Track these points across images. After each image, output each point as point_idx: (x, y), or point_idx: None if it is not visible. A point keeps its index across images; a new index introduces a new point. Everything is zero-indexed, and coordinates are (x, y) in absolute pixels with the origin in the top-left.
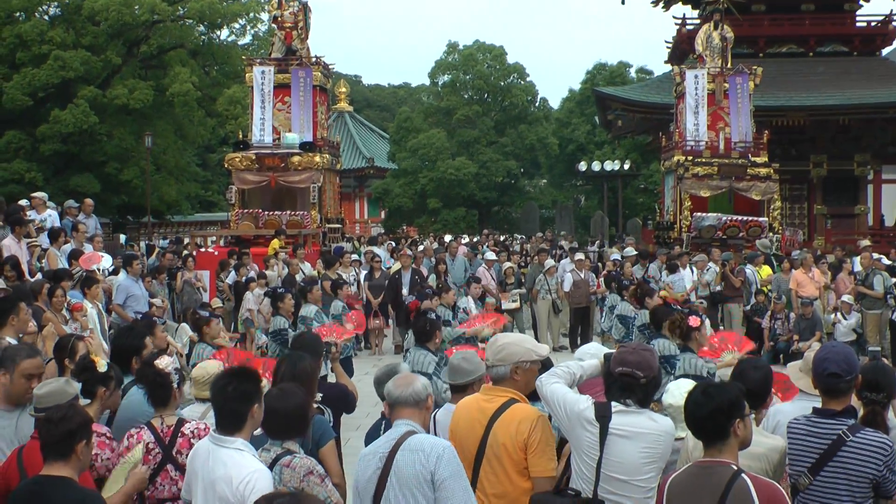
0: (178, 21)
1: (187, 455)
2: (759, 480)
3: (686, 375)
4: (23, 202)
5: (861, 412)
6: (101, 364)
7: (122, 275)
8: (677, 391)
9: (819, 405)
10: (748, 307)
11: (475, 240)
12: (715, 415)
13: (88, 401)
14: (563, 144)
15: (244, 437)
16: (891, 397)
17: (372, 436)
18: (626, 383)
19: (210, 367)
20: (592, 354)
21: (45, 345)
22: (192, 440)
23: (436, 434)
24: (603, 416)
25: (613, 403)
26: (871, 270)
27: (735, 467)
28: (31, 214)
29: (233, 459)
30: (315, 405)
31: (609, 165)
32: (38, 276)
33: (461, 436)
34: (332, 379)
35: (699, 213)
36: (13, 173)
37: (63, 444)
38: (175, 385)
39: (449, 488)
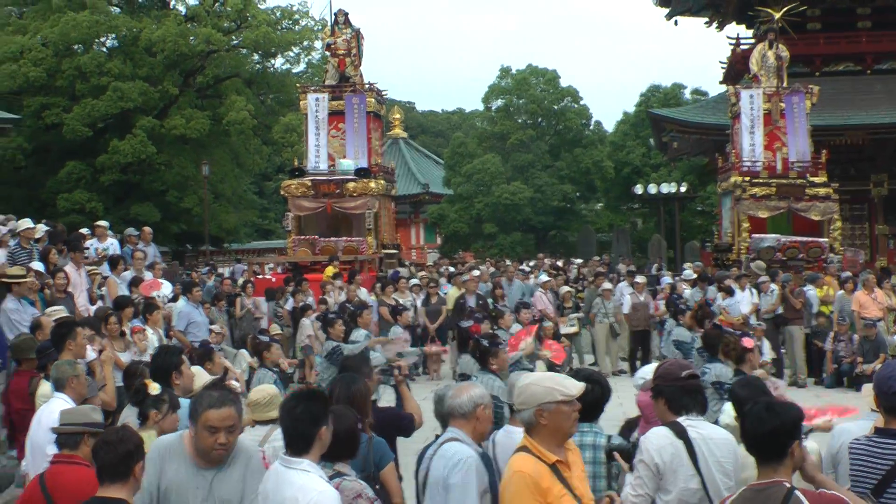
0: (234, 51)
1: None
2: (811, 494)
3: None
4: (84, 230)
5: None
6: (154, 387)
7: (181, 301)
8: (733, 411)
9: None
10: (808, 329)
11: (531, 264)
12: (777, 432)
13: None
14: (619, 167)
15: (312, 458)
16: None
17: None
18: (694, 386)
19: (267, 390)
20: (641, 375)
21: (102, 369)
22: None
23: (494, 454)
24: (679, 432)
25: (681, 419)
26: None
27: (788, 485)
28: (93, 243)
29: (300, 480)
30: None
31: (665, 188)
32: (99, 303)
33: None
34: (386, 402)
35: (758, 235)
36: (74, 203)
37: (121, 465)
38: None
39: (455, 495)
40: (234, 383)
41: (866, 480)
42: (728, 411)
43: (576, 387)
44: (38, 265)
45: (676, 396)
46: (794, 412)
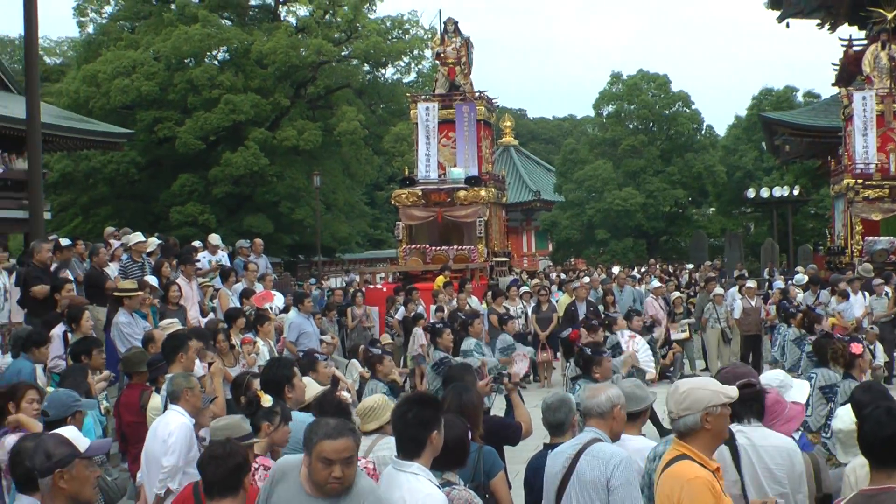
0: (344, 61)
1: None
2: None
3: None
4: (196, 244)
5: None
6: (267, 399)
7: (293, 312)
8: (847, 416)
9: None
10: None
11: (642, 270)
12: None
13: (258, 440)
14: (731, 172)
15: (423, 462)
16: None
17: (534, 466)
18: (748, 395)
19: (376, 398)
20: (781, 381)
21: (212, 382)
22: None
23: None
24: (728, 438)
25: (731, 426)
26: None
27: None
28: (204, 255)
29: (409, 483)
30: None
31: (778, 192)
32: (211, 315)
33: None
34: (498, 410)
35: (871, 237)
36: (187, 216)
37: (232, 479)
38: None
39: (620, 494)
40: (344, 394)
41: None
42: (842, 416)
43: (735, 390)
44: (150, 279)
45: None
46: None
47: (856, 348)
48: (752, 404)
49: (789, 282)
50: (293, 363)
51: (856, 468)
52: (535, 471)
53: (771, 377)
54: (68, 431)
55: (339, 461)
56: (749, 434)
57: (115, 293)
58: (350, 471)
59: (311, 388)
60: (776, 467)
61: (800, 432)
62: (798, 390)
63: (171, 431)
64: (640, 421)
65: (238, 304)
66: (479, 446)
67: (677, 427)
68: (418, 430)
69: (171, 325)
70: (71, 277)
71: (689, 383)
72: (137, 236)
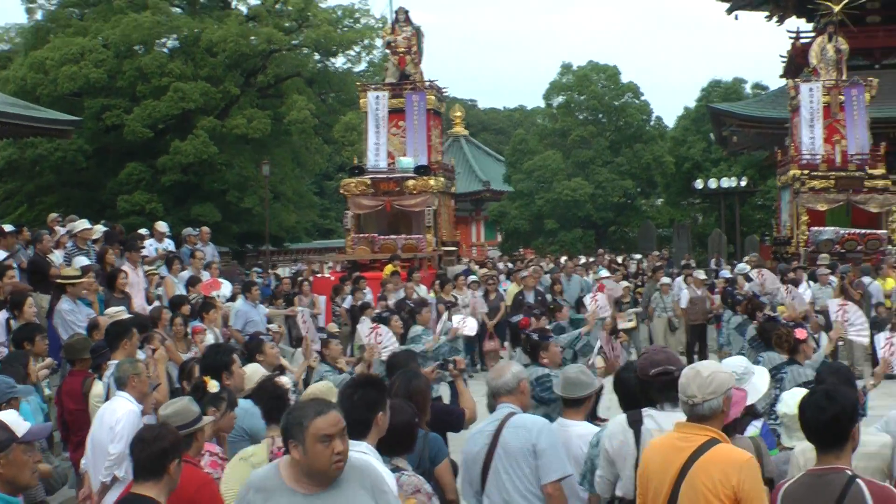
0: (295, 50)
1: None
2: (874, 485)
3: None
4: (143, 231)
5: None
6: (213, 385)
7: (239, 300)
8: (791, 400)
9: None
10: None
11: (590, 260)
12: (839, 418)
13: (211, 418)
14: (679, 163)
15: (370, 442)
16: None
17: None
18: (664, 382)
19: (321, 385)
20: (744, 369)
21: (155, 368)
22: None
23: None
24: (635, 421)
25: (644, 410)
26: None
27: (850, 473)
28: (151, 243)
29: (359, 462)
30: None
31: (726, 183)
32: (156, 303)
33: (653, 476)
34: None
35: (816, 228)
36: (134, 204)
37: (155, 463)
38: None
39: (549, 456)
40: (283, 379)
41: None
42: (787, 400)
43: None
44: (83, 261)
45: (645, 390)
46: (852, 396)
47: (800, 333)
48: (669, 391)
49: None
50: (233, 350)
51: (805, 451)
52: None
53: (733, 364)
54: (7, 416)
55: (336, 434)
56: (658, 419)
57: (59, 280)
58: (346, 444)
59: (256, 373)
60: None
61: (762, 420)
62: (759, 377)
63: (118, 418)
64: (585, 407)
65: (184, 292)
66: (425, 433)
67: (700, 411)
68: (364, 411)
69: (118, 312)
70: (14, 264)
71: (709, 367)
72: (83, 223)
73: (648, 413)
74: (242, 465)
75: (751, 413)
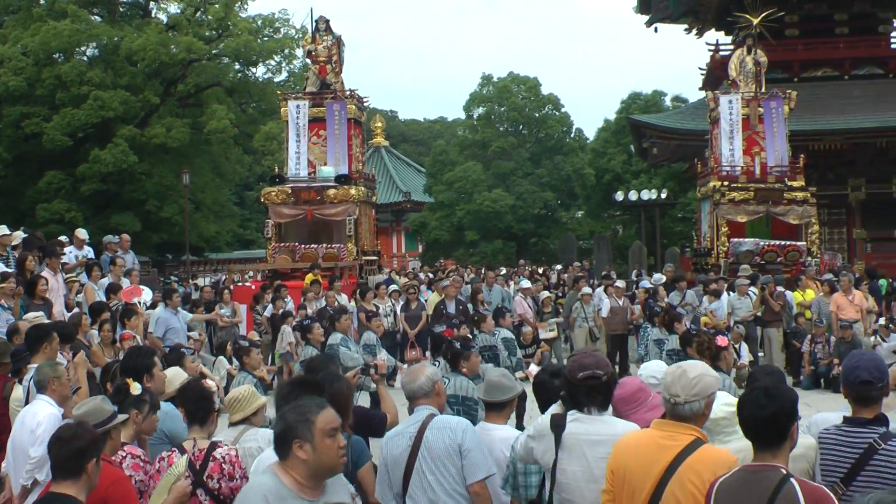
0: (215, 59)
1: (218, 480)
2: (807, 485)
3: None
4: (63, 238)
5: None
6: (135, 387)
7: (160, 307)
8: (716, 403)
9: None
10: (788, 330)
11: (511, 271)
12: (778, 416)
13: (126, 416)
14: (600, 175)
15: None
16: None
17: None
18: (590, 386)
19: (240, 392)
20: (651, 373)
21: (76, 372)
22: (223, 465)
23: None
24: (557, 425)
25: (570, 413)
26: None
27: (784, 471)
28: (71, 250)
29: None
30: None
31: (646, 195)
32: (76, 309)
33: (632, 474)
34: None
35: (736, 239)
36: (53, 213)
37: (72, 462)
38: (216, 407)
39: (473, 456)
40: (209, 382)
41: (836, 469)
42: (721, 398)
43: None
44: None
45: (572, 393)
46: (791, 395)
47: (721, 341)
48: (596, 395)
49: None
50: (153, 352)
51: (742, 450)
52: None
53: (653, 369)
54: None
55: (338, 428)
56: (584, 422)
57: None
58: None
59: (178, 377)
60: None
61: None
62: None
63: (39, 422)
64: (507, 410)
65: (104, 299)
66: (348, 435)
67: (682, 412)
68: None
69: (37, 318)
70: None
71: (696, 368)
72: (2, 229)
73: (574, 416)
74: (168, 478)
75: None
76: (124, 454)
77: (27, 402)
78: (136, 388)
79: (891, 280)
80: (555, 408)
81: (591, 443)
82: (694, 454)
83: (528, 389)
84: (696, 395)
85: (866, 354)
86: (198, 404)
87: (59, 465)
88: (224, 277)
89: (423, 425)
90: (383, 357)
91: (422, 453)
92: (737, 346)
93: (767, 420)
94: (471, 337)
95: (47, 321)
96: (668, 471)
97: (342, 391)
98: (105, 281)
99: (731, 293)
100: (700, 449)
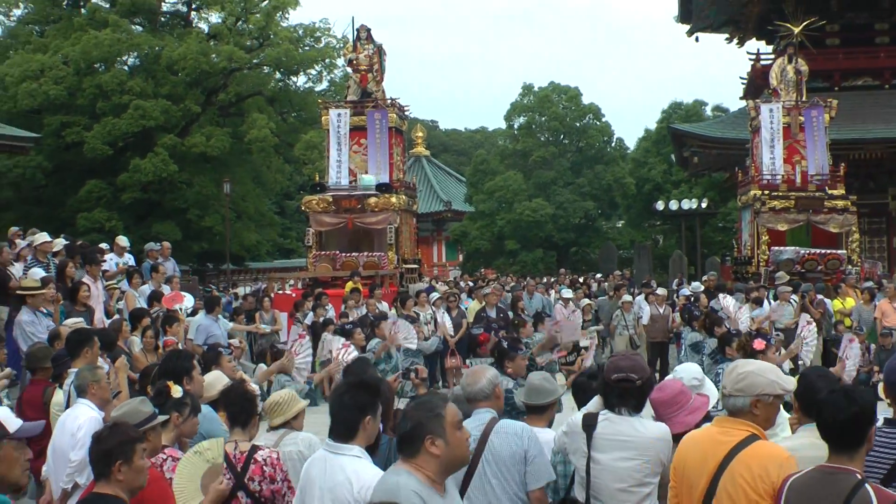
0: (256, 68)
1: (259, 483)
2: (882, 492)
3: None
4: (103, 245)
5: None
6: (176, 390)
7: (201, 315)
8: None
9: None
10: (827, 338)
11: (552, 280)
12: (858, 419)
13: (165, 417)
14: (640, 184)
15: (359, 444)
16: None
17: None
18: (624, 389)
19: (281, 395)
20: (693, 375)
21: (118, 376)
22: (264, 468)
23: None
24: (589, 424)
25: (602, 412)
26: None
27: (859, 476)
28: (111, 257)
29: (352, 465)
30: None
31: (686, 204)
32: (116, 316)
33: (690, 470)
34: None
35: (777, 247)
36: (94, 222)
37: (101, 464)
38: (258, 411)
39: (538, 463)
40: (253, 385)
41: (877, 469)
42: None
43: (792, 383)
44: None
45: (605, 393)
46: (870, 398)
47: (758, 344)
48: (628, 398)
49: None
50: (192, 356)
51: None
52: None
53: (689, 371)
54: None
55: (462, 420)
56: (615, 422)
57: (18, 291)
58: None
59: (220, 381)
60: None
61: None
62: (709, 389)
63: (79, 425)
64: (548, 414)
65: (146, 306)
66: (390, 438)
67: (727, 405)
68: (353, 412)
69: (78, 324)
70: None
71: (750, 365)
72: (43, 236)
73: (605, 416)
74: (196, 459)
75: (707, 418)
76: (165, 456)
77: (68, 407)
78: (176, 391)
79: None
80: (590, 406)
81: (620, 443)
82: (746, 449)
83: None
84: (741, 391)
85: None
86: (241, 406)
87: (93, 465)
88: (264, 286)
89: (488, 429)
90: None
91: (485, 457)
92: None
93: (847, 423)
94: (519, 338)
95: (88, 327)
96: (721, 466)
97: (385, 393)
98: (146, 288)
99: (772, 301)
100: (753, 444)
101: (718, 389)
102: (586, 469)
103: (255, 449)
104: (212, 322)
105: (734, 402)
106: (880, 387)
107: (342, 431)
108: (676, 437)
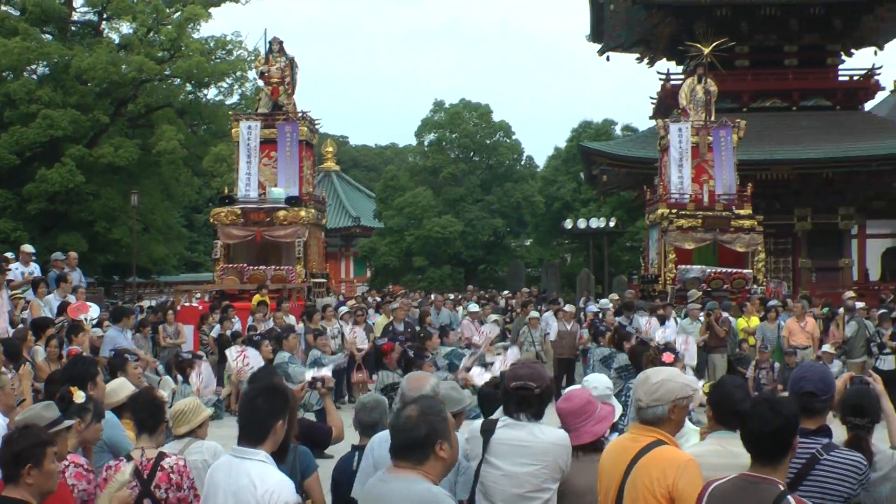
0: (166, 80)
1: (166, 490)
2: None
3: None
4: (9, 254)
5: (846, 437)
6: (79, 395)
7: (112, 329)
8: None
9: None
10: (732, 357)
11: (459, 296)
12: (782, 431)
13: (71, 422)
14: (549, 202)
15: (267, 449)
16: (874, 422)
17: (340, 469)
18: (522, 396)
19: (186, 404)
20: (602, 386)
21: (20, 384)
22: (171, 475)
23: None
24: (487, 430)
25: (501, 419)
26: (851, 317)
27: (782, 487)
28: (17, 266)
29: (257, 470)
30: None
31: (595, 223)
32: (20, 326)
33: (605, 477)
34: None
35: (683, 266)
36: None
37: (10, 467)
38: (166, 418)
39: (470, 472)
40: (161, 392)
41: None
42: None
43: (696, 381)
44: None
45: (505, 401)
46: (794, 408)
47: (667, 357)
48: (527, 406)
49: (598, 307)
50: (97, 361)
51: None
52: (341, 472)
53: (599, 381)
54: None
55: None
56: (514, 428)
57: None
58: None
59: (124, 387)
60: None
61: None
62: (614, 401)
63: None
64: (458, 422)
65: (51, 315)
66: (295, 445)
67: (644, 416)
68: (266, 417)
69: None
70: None
71: (660, 374)
72: None
73: (505, 422)
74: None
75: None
76: (67, 462)
77: None
78: (79, 397)
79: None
80: (497, 415)
81: (518, 449)
82: (648, 454)
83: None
84: (658, 401)
85: (814, 366)
86: (149, 412)
87: (1, 468)
88: (169, 300)
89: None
90: (328, 372)
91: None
92: (684, 371)
93: (772, 434)
94: (424, 347)
95: None
96: (626, 472)
97: (294, 401)
98: (51, 297)
99: (678, 319)
100: (655, 449)
101: (630, 403)
102: (477, 473)
103: (161, 456)
104: (118, 333)
105: (653, 412)
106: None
107: (252, 434)
108: (587, 447)
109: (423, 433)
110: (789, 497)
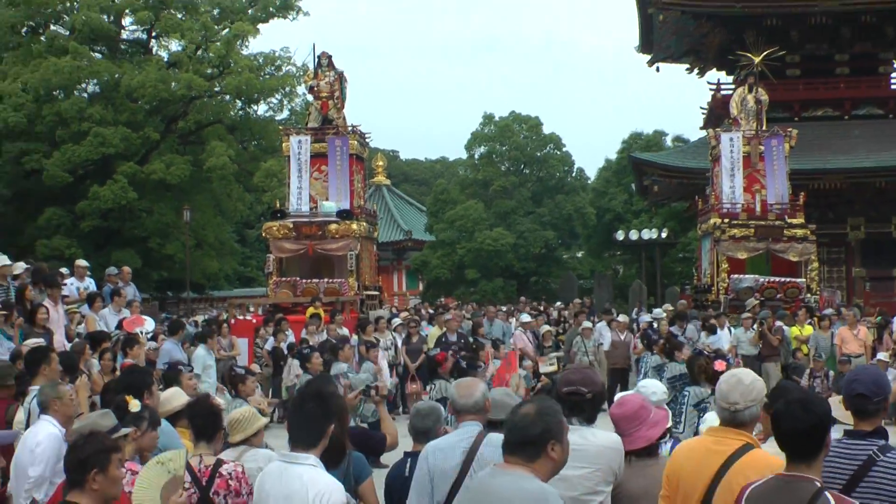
0: (216, 97)
1: (224, 497)
2: (842, 500)
3: None
4: (63, 270)
5: None
6: (135, 404)
7: (168, 342)
8: (715, 419)
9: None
10: (786, 365)
11: (512, 308)
12: (816, 429)
13: (128, 430)
14: (601, 214)
15: (317, 454)
16: None
17: (394, 474)
18: (574, 402)
19: (241, 413)
20: (659, 392)
21: (77, 395)
22: (229, 482)
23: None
24: None
25: None
26: None
27: (819, 484)
28: (72, 282)
29: (308, 474)
30: None
31: (647, 234)
32: (76, 340)
33: (686, 480)
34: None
35: (737, 275)
36: (53, 249)
37: (76, 473)
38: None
39: None
40: (218, 400)
41: (836, 480)
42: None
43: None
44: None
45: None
46: (827, 407)
47: (718, 365)
48: (579, 411)
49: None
50: (151, 371)
51: None
52: (395, 478)
53: (655, 387)
54: None
55: None
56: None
57: None
58: None
59: (178, 396)
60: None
61: (672, 440)
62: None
63: (38, 441)
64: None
65: (106, 329)
66: (349, 451)
67: (741, 418)
68: (318, 420)
69: (36, 343)
70: None
71: (747, 375)
72: (3, 259)
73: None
74: (158, 469)
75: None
76: (124, 470)
77: (28, 425)
78: (134, 405)
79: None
80: None
81: (572, 453)
82: (743, 458)
83: None
84: (754, 400)
85: (867, 369)
86: (207, 420)
87: (68, 474)
88: (223, 314)
89: (478, 441)
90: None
91: (474, 468)
92: None
93: (805, 433)
94: (477, 357)
95: (45, 345)
96: (717, 475)
97: (343, 406)
98: (106, 311)
99: (731, 329)
100: (749, 453)
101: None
102: None
103: (220, 463)
104: (174, 345)
105: (750, 412)
106: (836, 401)
107: (303, 439)
108: (641, 452)
109: (538, 431)
110: (826, 494)
